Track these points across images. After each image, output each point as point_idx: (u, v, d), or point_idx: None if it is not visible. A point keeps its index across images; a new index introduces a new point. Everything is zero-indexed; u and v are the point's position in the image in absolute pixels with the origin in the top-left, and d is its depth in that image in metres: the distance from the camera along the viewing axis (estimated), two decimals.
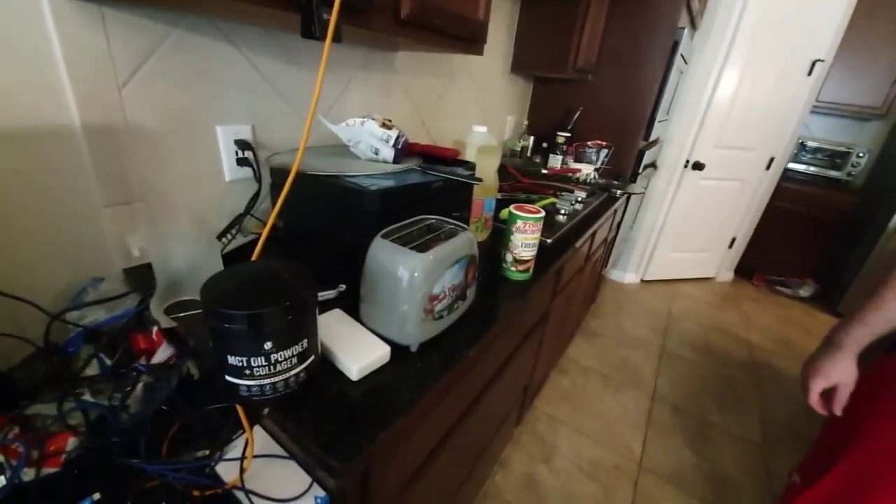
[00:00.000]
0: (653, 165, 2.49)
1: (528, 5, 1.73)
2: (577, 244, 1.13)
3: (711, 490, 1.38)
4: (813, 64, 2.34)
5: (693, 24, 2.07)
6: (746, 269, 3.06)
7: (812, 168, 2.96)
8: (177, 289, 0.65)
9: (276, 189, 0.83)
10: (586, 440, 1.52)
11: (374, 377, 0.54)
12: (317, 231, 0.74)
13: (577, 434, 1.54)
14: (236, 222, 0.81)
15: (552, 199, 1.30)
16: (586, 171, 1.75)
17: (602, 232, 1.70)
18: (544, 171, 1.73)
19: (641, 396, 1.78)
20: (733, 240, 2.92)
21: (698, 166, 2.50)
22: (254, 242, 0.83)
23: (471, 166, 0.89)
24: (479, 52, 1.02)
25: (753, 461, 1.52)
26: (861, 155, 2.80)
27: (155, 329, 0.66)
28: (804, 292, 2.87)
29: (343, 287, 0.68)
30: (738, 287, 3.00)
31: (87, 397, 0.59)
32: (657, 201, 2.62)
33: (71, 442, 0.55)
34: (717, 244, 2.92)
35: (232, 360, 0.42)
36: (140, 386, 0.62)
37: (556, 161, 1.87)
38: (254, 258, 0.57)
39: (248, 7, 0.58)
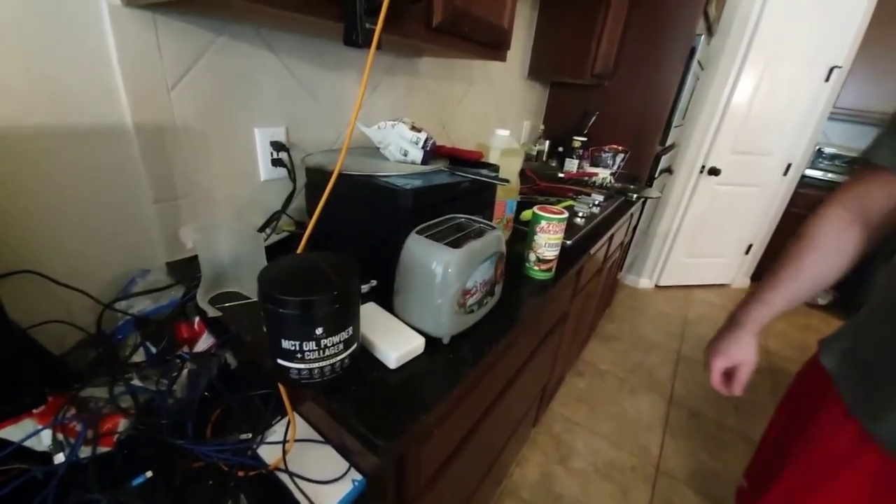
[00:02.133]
0: (668, 170, 2.49)
1: (546, 11, 1.76)
2: (596, 246, 1.15)
3: (730, 493, 1.37)
4: (831, 70, 2.33)
5: (710, 31, 2.08)
6: (762, 275, 3.02)
7: (830, 174, 2.92)
8: (221, 281, 0.68)
9: (310, 188, 0.86)
10: (602, 441, 1.52)
11: (410, 366, 0.56)
12: (349, 228, 0.77)
13: (594, 435, 1.54)
14: (273, 219, 0.85)
15: (570, 202, 1.32)
16: (602, 175, 1.77)
17: (619, 236, 1.71)
18: (561, 175, 1.75)
19: (658, 400, 1.78)
20: (750, 246, 2.89)
21: (714, 171, 2.49)
22: (287, 239, 0.87)
23: (495, 168, 0.92)
24: (503, 58, 1.05)
25: None
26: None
27: (197, 319, 0.70)
28: (822, 300, 2.83)
29: (375, 282, 0.71)
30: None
31: (136, 382, 0.63)
32: (673, 206, 2.62)
33: (122, 423, 0.58)
34: (733, 250, 2.90)
35: (286, 343, 0.45)
36: (185, 372, 0.65)
37: (572, 165, 1.89)
38: (299, 251, 0.60)
39: (293, 15, 0.61)
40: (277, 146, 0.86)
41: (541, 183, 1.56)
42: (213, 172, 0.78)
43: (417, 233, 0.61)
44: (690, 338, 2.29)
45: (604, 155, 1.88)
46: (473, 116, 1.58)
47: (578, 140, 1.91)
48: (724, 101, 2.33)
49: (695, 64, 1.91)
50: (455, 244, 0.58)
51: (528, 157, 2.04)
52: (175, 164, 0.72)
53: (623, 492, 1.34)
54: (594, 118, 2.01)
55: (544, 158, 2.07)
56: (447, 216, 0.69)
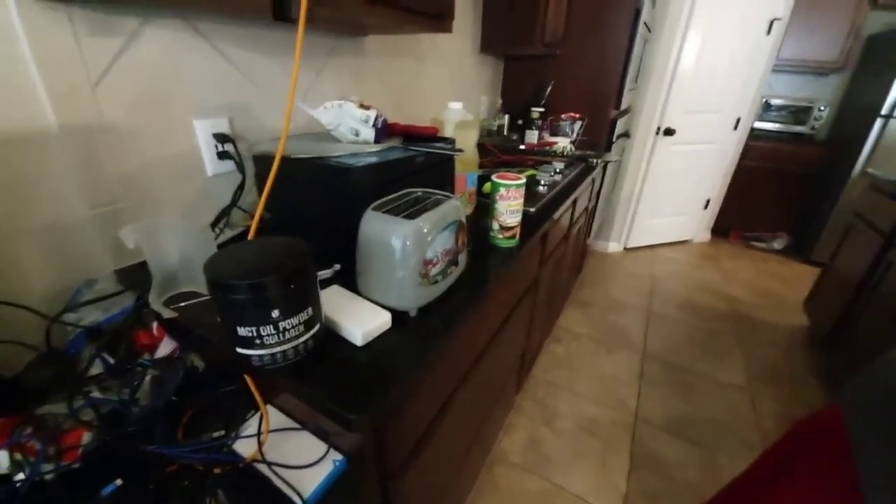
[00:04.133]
0: (626, 134, 2.55)
1: None
2: (559, 212, 1.17)
3: (703, 433, 1.47)
4: (771, 23, 2.42)
5: None
6: (722, 228, 3.17)
7: (777, 125, 3.06)
8: (173, 281, 0.66)
9: (261, 179, 0.83)
10: (584, 401, 1.58)
11: (379, 342, 0.56)
12: (306, 215, 0.75)
13: (576, 396, 1.60)
14: (223, 215, 0.82)
15: (532, 172, 1.33)
16: (562, 143, 1.79)
17: (582, 201, 1.75)
18: (522, 147, 1.76)
19: (632, 356, 1.85)
20: (708, 201, 3.01)
21: (669, 132, 2.56)
22: (243, 234, 0.84)
23: (450, 141, 0.91)
24: (448, 29, 1.03)
25: (739, 403, 1.61)
26: (822, 109, 2.92)
27: (155, 324, 0.67)
28: (778, 245, 3.00)
29: (338, 266, 0.70)
30: (716, 246, 3.11)
31: (96, 394, 0.60)
32: (633, 169, 2.68)
33: (86, 436, 0.56)
34: (692, 207, 3.01)
35: (242, 331, 0.44)
36: (147, 380, 0.63)
37: (532, 136, 1.90)
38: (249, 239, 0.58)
39: None
40: (221, 138, 0.82)
41: (502, 156, 1.56)
42: (153, 171, 0.75)
43: (373, 209, 0.60)
44: (659, 294, 2.39)
45: (562, 124, 1.90)
46: (428, 95, 1.56)
47: (536, 111, 1.92)
48: (672, 61, 2.38)
49: (641, 27, 1.94)
50: (411, 216, 0.58)
51: (488, 132, 2.04)
52: (109, 165, 0.68)
53: (606, 444, 1.40)
54: (550, 88, 2.02)
55: (505, 132, 2.07)
56: (403, 191, 0.68)
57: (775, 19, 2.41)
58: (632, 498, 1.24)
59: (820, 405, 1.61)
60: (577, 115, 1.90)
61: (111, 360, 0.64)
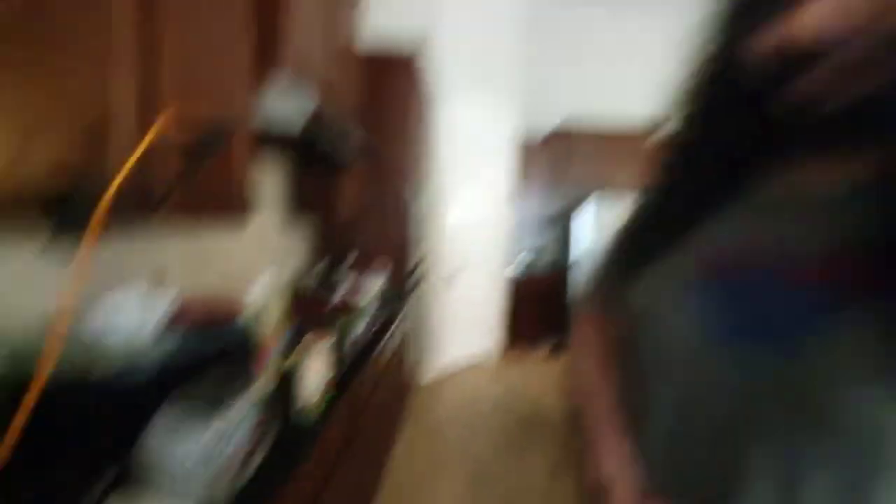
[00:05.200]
0: (425, 277, 3.04)
1: (296, 167, 2.03)
2: (371, 361, 1.29)
3: None
4: (508, 192, 3.52)
5: (428, 174, 2.84)
6: (509, 342, 3.90)
7: (531, 262, 4.20)
8: None
9: (19, 396, 0.69)
10: None
11: None
12: (77, 434, 0.66)
13: None
14: None
15: (343, 325, 1.46)
16: (371, 293, 2.02)
17: (392, 344, 1.94)
18: (333, 301, 1.91)
19: (460, 475, 1.99)
20: (494, 324, 3.72)
21: (453, 276, 3.21)
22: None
23: (241, 329, 0.96)
24: (247, 219, 1.14)
25: (546, 495, 1.88)
26: (549, 250, 4.21)
27: None
28: (550, 344, 3.87)
29: (116, 472, 0.62)
30: (507, 359, 3.77)
31: None
32: (432, 308, 3.16)
33: None
34: (484, 330, 3.66)
35: None
36: None
37: (342, 289, 2.08)
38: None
39: None
40: None
41: (312, 313, 1.66)
42: None
43: (157, 419, 0.60)
44: (472, 413, 2.67)
45: (369, 276, 2.17)
46: (234, 266, 1.59)
47: (346, 265, 2.16)
48: (450, 215, 3.15)
49: (422, 199, 2.55)
50: (199, 421, 0.60)
51: (299, 288, 2.13)
52: None
53: None
54: (358, 244, 2.33)
55: (316, 286, 2.21)
56: (192, 389, 0.69)
57: (513, 189, 3.54)
58: None
59: None
60: (383, 266, 2.22)
61: None
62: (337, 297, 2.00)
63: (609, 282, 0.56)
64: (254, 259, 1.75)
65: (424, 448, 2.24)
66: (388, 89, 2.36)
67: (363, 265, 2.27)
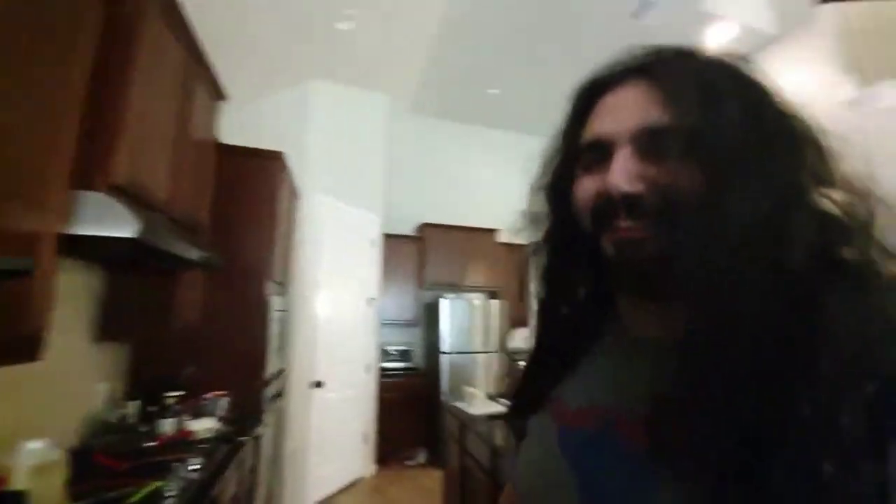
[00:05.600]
0: (279, 395, 2.72)
1: (109, 276, 1.72)
2: None
3: None
4: (370, 299, 3.53)
5: (283, 285, 2.72)
6: (382, 456, 3.59)
7: (396, 363, 4.13)
8: None
9: None
10: None
11: None
12: None
13: None
14: None
15: (156, 484, 1.17)
16: (207, 425, 1.71)
17: (235, 483, 1.62)
18: (152, 444, 1.54)
19: None
20: (366, 437, 3.43)
21: (319, 384, 2.95)
22: None
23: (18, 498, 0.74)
24: (37, 358, 0.93)
25: None
26: (416, 350, 4.24)
27: None
28: (421, 459, 3.65)
29: None
30: (381, 476, 3.43)
31: None
32: (294, 427, 2.79)
33: None
34: (354, 446, 3.33)
35: None
36: None
37: (166, 426, 1.70)
38: None
39: None
40: None
41: (119, 464, 1.31)
42: None
43: None
44: None
45: (205, 404, 1.85)
46: (35, 395, 1.20)
47: (173, 395, 1.80)
48: (310, 325, 2.96)
49: (276, 307, 2.39)
50: None
51: (106, 428, 1.67)
52: None
53: None
54: (190, 369, 1.99)
55: (130, 424, 1.77)
56: None
57: (371, 298, 3.56)
58: None
59: None
60: (223, 392, 1.92)
61: None
62: (163, 434, 1.63)
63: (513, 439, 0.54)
64: (42, 398, 1.35)
65: None
66: (253, 183, 2.33)
67: (197, 392, 1.91)
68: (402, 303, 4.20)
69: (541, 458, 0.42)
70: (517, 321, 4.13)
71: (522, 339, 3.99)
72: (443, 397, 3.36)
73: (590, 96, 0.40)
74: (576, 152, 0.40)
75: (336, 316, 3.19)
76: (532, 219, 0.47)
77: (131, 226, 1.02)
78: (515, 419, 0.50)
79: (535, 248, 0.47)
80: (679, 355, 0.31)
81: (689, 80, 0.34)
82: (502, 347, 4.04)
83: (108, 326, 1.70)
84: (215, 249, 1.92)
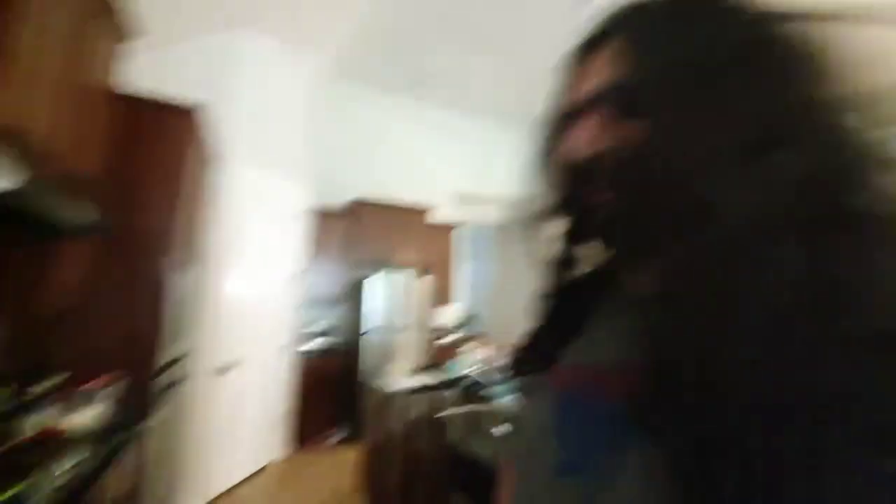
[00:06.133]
0: (178, 382, 2.49)
1: None
2: None
3: None
4: (297, 273, 3.36)
5: (193, 251, 2.45)
6: (298, 438, 3.50)
7: (317, 342, 4.00)
8: None
9: None
10: None
11: None
12: None
13: None
14: None
15: (18, 488, 1.02)
16: (88, 417, 1.51)
17: (121, 484, 1.47)
18: (19, 440, 1.33)
19: None
20: (279, 420, 3.30)
21: (228, 368, 2.75)
22: None
23: None
24: None
25: None
26: (338, 327, 4.15)
27: None
28: (339, 437, 3.64)
29: None
30: (296, 459, 3.35)
31: None
32: (197, 414, 2.58)
33: None
34: (265, 430, 3.18)
35: None
36: None
37: (39, 420, 1.48)
38: None
39: None
40: None
41: None
42: None
43: None
44: None
45: (88, 393, 1.63)
46: None
47: (47, 385, 1.56)
48: (219, 301, 2.71)
49: (183, 281, 2.15)
50: None
51: None
52: None
53: None
54: (72, 353, 1.74)
55: None
56: None
57: (300, 270, 3.38)
58: None
59: None
60: (109, 379, 1.71)
61: None
62: (33, 426, 1.41)
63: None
64: None
65: None
66: (156, 140, 2.02)
67: (79, 379, 1.69)
68: (329, 280, 4.05)
69: (531, 419, 0.42)
70: (443, 299, 4.22)
71: (447, 316, 4.10)
72: (362, 376, 3.35)
73: (578, 63, 0.39)
74: (560, 124, 0.39)
75: (253, 294, 2.98)
76: (533, 193, 0.44)
77: (11, 176, 0.84)
78: (519, 375, 0.49)
79: (539, 216, 0.44)
80: (656, 311, 0.30)
81: (648, 29, 0.33)
82: (426, 325, 4.09)
83: None
84: (104, 215, 1.68)
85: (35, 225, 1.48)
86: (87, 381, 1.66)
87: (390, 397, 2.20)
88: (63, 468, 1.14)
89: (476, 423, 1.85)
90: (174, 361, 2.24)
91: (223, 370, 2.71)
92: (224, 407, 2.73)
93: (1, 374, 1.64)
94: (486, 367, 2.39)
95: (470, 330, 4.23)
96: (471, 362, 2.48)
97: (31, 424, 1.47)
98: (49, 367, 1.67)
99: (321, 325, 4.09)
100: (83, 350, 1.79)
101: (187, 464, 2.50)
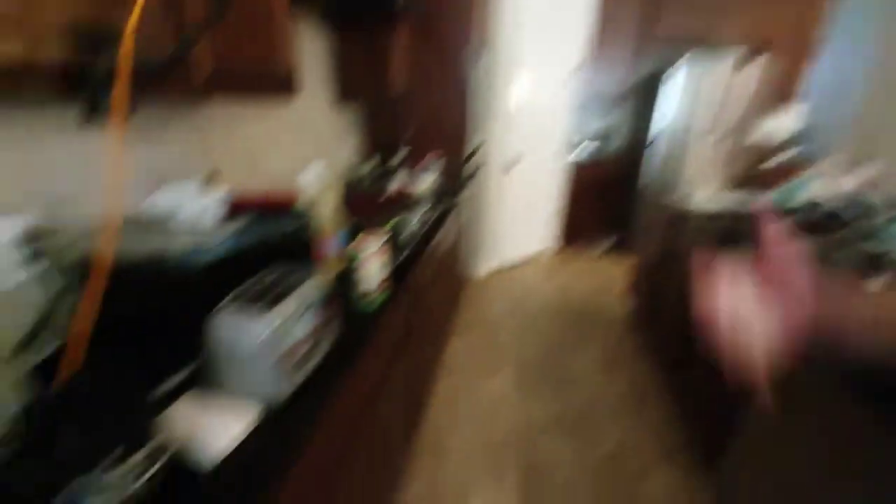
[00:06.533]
0: (479, 168, 2.86)
1: (336, 38, 1.81)
2: (426, 255, 1.27)
3: (577, 425, 1.71)
4: (575, 69, 3.03)
5: (486, 43, 2.46)
6: (567, 237, 3.77)
7: (594, 145, 3.78)
8: None
9: (84, 281, 0.74)
10: (476, 428, 1.70)
11: (248, 443, 0.55)
12: (145, 318, 0.69)
13: (467, 425, 1.71)
14: (37, 331, 0.70)
15: (397, 219, 1.42)
16: (425, 185, 1.94)
17: (448, 238, 1.91)
18: (387, 194, 1.85)
19: (511, 371, 2.07)
20: (553, 217, 3.55)
21: (515, 161, 2.98)
22: (63, 351, 0.72)
23: (303, 215, 0.93)
24: (293, 93, 1.04)
25: (594, 391, 1.93)
26: (620, 131, 3.73)
27: None
28: (608, 245, 3.69)
29: (191, 367, 0.66)
30: (563, 256, 3.67)
31: None
32: (491, 199, 3.02)
33: None
34: (542, 224, 3.52)
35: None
36: None
37: (396, 181, 2.01)
38: (73, 369, 0.52)
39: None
40: (25, 239, 0.71)
41: (367, 206, 1.63)
42: None
43: (224, 307, 0.60)
44: (525, 308, 2.72)
45: (423, 166, 2.06)
46: (287, 150, 1.54)
47: (398, 156, 2.05)
48: (510, 100, 2.80)
49: (480, 74, 2.24)
50: (266, 307, 0.59)
51: (352, 181, 2.09)
52: None
53: (498, 464, 1.54)
54: (408, 134, 2.18)
55: (369, 179, 2.15)
56: (257, 277, 0.68)
57: (578, 66, 3.03)
58: None
59: (651, 379, 2.01)
60: (436, 156, 2.09)
61: None
62: (390, 190, 1.94)
63: None
64: (302, 151, 1.68)
65: (477, 344, 2.34)
66: None
67: (416, 154, 2.13)
68: (612, 75, 3.50)
69: None
70: (784, 96, 2.99)
71: (781, 123, 2.96)
72: (643, 186, 3.01)
73: None
74: None
75: (538, 86, 2.90)
76: None
77: None
78: None
79: None
80: None
81: None
82: (746, 132, 3.06)
83: (342, 88, 1.89)
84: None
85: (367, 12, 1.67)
86: (420, 157, 2.06)
87: (683, 215, 1.87)
88: (414, 218, 1.51)
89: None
90: (476, 150, 2.54)
91: (508, 165, 2.96)
92: (507, 198, 3.08)
93: (368, 149, 2.24)
94: (854, 195, 1.63)
95: (815, 146, 2.98)
96: (822, 187, 1.75)
97: (392, 186, 1.99)
98: (397, 143, 2.14)
99: (600, 127, 3.75)
100: (415, 130, 2.20)
101: (480, 238, 3.11)
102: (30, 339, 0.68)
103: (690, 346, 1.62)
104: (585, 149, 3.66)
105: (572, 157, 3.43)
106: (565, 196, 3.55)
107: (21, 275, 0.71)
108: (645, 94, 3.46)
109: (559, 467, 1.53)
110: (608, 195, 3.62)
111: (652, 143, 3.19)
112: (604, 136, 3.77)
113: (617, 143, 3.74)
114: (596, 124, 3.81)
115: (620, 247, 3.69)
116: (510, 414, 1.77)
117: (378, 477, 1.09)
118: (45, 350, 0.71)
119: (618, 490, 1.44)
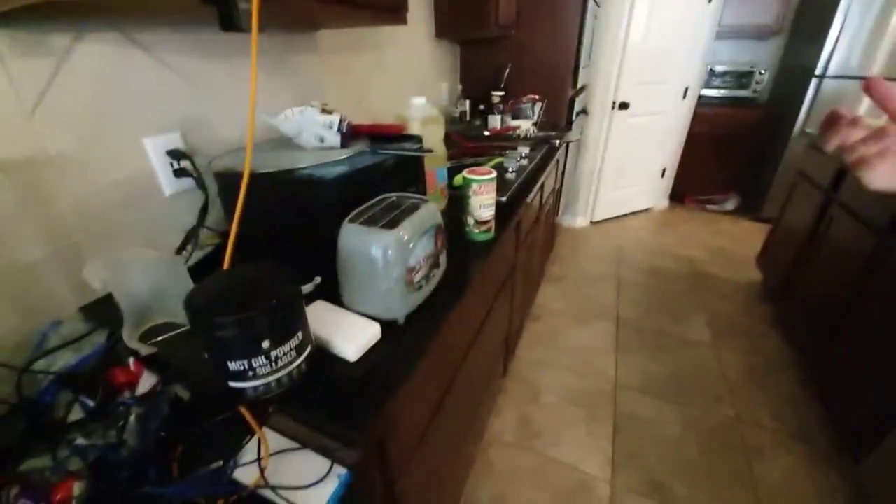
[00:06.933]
0: (584, 111, 2.60)
1: None
2: (530, 197, 1.19)
3: (676, 390, 1.57)
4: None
5: None
6: (678, 193, 3.33)
7: (722, 91, 3.20)
8: (146, 314, 0.63)
9: (224, 194, 0.80)
10: (566, 373, 1.66)
11: (371, 354, 0.57)
12: (279, 229, 0.73)
13: (558, 370, 1.67)
14: (191, 236, 0.78)
15: (499, 159, 1.34)
16: (525, 126, 1.80)
17: (549, 182, 1.78)
18: (486, 133, 1.77)
19: (607, 325, 1.94)
20: (664, 169, 3.14)
21: (624, 106, 2.63)
22: (213, 254, 0.81)
23: (417, 139, 0.90)
24: (403, 20, 1.01)
25: (706, 358, 1.73)
26: (763, 72, 3.07)
27: (132, 360, 0.64)
28: (729, 205, 3.18)
29: (319, 279, 0.69)
30: (674, 212, 3.26)
31: (81, 441, 0.58)
32: (592, 145, 2.75)
33: (77, 487, 0.54)
34: (650, 176, 3.14)
35: (233, 365, 0.43)
36: (132, 419, 0.61)
37: (495, 121, 1.91)
38: (225, 267, 0.56)
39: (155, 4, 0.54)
40: (176, 154, 0.78)
41: (467, 144, 1.56)
42: (108, 198, 0.70)
43: (350, 221, 0.60)
44: (625, 263, 2.50)
45: (523, 106, 1.91)
46: (388, 86, 1.53)
47: (497, 95, 1.93)
48: (622, 35, 2.43)
49: (591, 3, 1.96)
50: (390, 225, 0.58)
51: (451, 120, 2.02)
52: (59, 198, 0.64)
53: (590, 413, 1.48)
54: (508, 71, 2.02)
55: (468, 118, 2.07)
56: (378, 198, 0.68)
57: None
58: (618, 460, 1.32)
59: (777, 354, 1.76)
60: (537, 97, 1.92)
61: (91, 404, 0.61)
62: (490, 128, 1.85)
63: None
64: (404, 87, 1.64)
65: (572, 293, 2.24)
66: None
67: (518, 93, 1.98)
68: (758, 3, 2.85)
69: None
70: None
71: None
72: (794, 137, 2.49)
73: None
74: None
75: (656, 20, 2.46)
76: None
77: None
78: None
79: None
80: None
81: None
82: None
83: (443, 24, 1.79)
84: None
85: None
86: (523, 97, 1.91)
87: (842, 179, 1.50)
88: (515, 159, 1.41)
89: None
90: (583, 89, 2.29)
91: (618, 107, 2.63)
92: (614, 143, 2.77)
93: (465, 88, 2.13)
94: None
95: None
96: None
97: (492, 125, 1.89)
98: (499, 81, 2.00)
99: (740, 65, 3.13)
100: (519, 69, 2.03)
101: (583, 185, 2.88)
102: (186, 241, 0.77)
103: (836, 325, 1.35)
104: (715, 91, 3.12)
105: (697, 101, 2.94)
106: (685, 146, 3.09)
107: (177, 185, 0.80)
108: (802, 27, 2.78)
109: (659, 427, 1.43)
110: (736, 147, 3.08)
111: (811, 81, 2.57)
112: (741, 77, 3.14)
113: (758, 85, 3.10)
114: (732, 62, 3.18)
115: (746, 208, 3.18)
116: (603, 367, 1.69)
117: (476, 401, 1.12)
118: (197, 253, 0.80)
119: (727, 462, 1.31)
